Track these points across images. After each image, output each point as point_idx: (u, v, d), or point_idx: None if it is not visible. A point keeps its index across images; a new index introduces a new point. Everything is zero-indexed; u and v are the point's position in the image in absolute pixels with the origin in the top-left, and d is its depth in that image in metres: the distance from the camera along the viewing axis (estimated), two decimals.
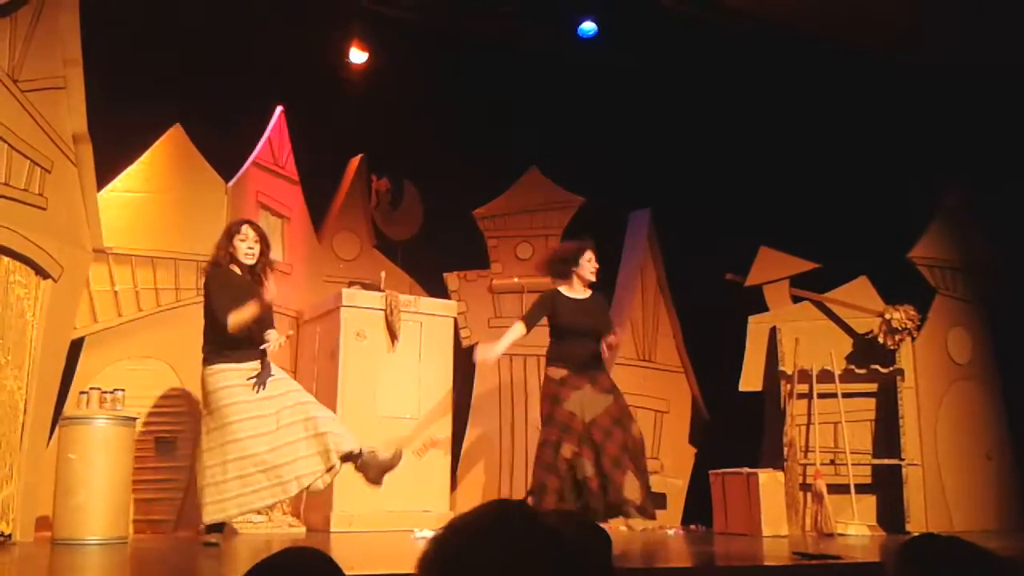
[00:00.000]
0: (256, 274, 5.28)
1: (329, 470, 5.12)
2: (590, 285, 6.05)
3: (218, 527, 5.08)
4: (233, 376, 5.08)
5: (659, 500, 7.08)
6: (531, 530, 1.15)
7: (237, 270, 5.27)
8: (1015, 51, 6.94)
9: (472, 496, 7.45)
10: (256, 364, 5.14)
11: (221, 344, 5.10)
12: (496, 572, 1.11)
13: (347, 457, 5.15)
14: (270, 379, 5.15)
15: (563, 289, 6.00)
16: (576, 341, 5.89)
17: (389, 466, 5.17)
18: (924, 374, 7.50)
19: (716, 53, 7.53)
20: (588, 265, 5.97)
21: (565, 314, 5.91)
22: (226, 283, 5.18)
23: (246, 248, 5.23)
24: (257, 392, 5.07)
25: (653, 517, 5.94)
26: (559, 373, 5.85)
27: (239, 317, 5.05)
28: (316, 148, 7.47)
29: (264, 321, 5.23)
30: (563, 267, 6.03)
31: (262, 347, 5.13)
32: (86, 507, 5.19)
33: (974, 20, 6.85)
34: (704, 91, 7.88)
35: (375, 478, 5.19)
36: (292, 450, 5.04)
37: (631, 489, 5.53)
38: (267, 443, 5.01)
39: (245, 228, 5.30)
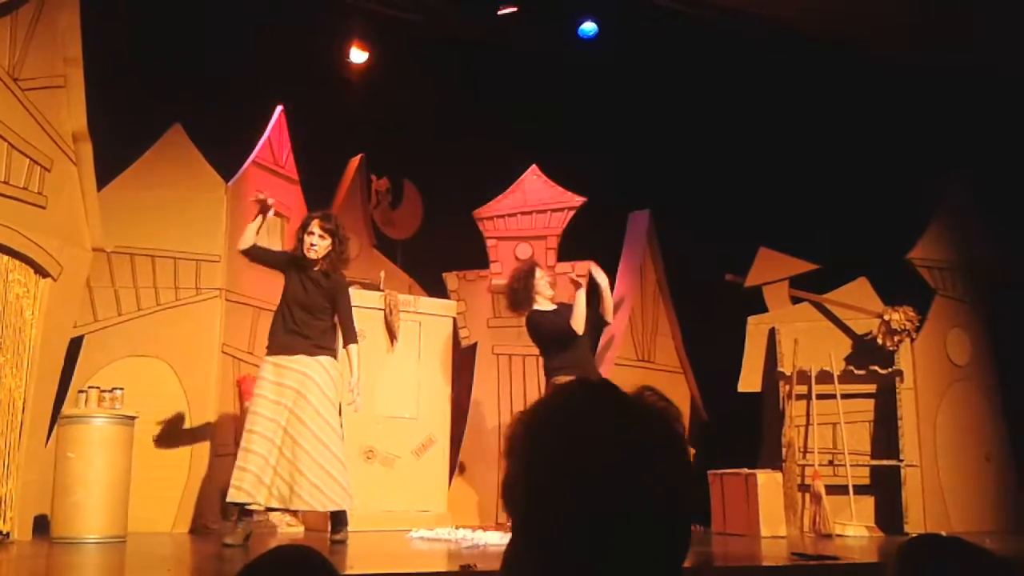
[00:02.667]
0: (329, 272, 5.23)
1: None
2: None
3: (246, 512, 5.05)
4: (267, 369, 5.15)
5: None
6: (622, 402, 1.12)
7: (316, 268, 5.24)
8: (1014, 51, 6.94)
9: (470, 496, 7.45)
10: (289, 359, 5.14)
11: (271, 334, 5.22)
12: (588, 440, 1.07)
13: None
14: (294, 382, 5.08)
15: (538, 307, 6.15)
16: (582, 348, 6.09)
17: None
18: (923, 375, 7.49)
19: (716, 53, 7.52)
20: (542, 282, 6.15)
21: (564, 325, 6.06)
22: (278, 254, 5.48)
23: (310, 243, 5.18)
24: (276, 391, 5.07)
25: None
26: (566, 380, 5.97)
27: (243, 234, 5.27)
28: (316, 148, 7.46)
29: (304, 311, 5.19)
30: (525, 295, 6.18)
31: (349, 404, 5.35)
32: (84, 505, 5.19)
33: (975, 20, 6.86)
34: (704, 91, 7.87)
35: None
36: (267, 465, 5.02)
37: None
38: (265, 448, 5.00)
39: (313, 223, 5.24)
